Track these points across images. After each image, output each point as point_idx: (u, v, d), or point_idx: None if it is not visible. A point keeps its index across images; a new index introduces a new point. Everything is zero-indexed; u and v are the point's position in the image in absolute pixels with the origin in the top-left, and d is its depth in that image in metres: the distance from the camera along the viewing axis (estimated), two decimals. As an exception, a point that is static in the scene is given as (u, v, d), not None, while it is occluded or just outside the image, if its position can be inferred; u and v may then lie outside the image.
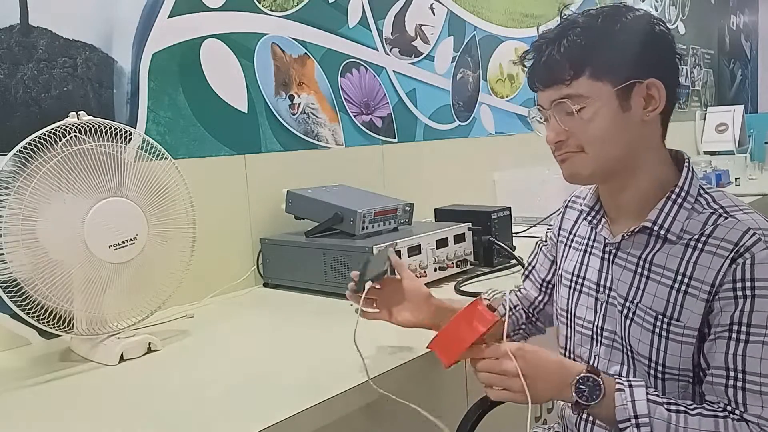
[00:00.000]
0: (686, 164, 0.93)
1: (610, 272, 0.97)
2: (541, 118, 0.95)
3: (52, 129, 1.11)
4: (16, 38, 1.28)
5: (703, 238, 0.86)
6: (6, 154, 1.09)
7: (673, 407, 0.83)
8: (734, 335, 0.83)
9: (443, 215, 1.85)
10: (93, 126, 1.16)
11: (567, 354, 1.06)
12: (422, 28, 2.25)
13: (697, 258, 0.86)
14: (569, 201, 1.13)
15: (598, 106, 0.87)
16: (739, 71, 5.56)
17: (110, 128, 1.18)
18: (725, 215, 0.87)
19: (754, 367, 0.81)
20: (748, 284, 0.81)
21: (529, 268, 1.21)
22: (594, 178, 0.95)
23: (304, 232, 1.65)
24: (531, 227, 2.14)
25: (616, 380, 0.86)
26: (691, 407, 0.83)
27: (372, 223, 1.59)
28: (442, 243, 1.60)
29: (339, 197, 1.67)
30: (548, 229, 1.18)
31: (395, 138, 2.15)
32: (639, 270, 0.93)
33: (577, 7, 3.14)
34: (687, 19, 4.47)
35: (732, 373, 0.82)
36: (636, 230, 0.92)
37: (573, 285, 1.03)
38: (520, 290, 1.22)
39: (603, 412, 0.86)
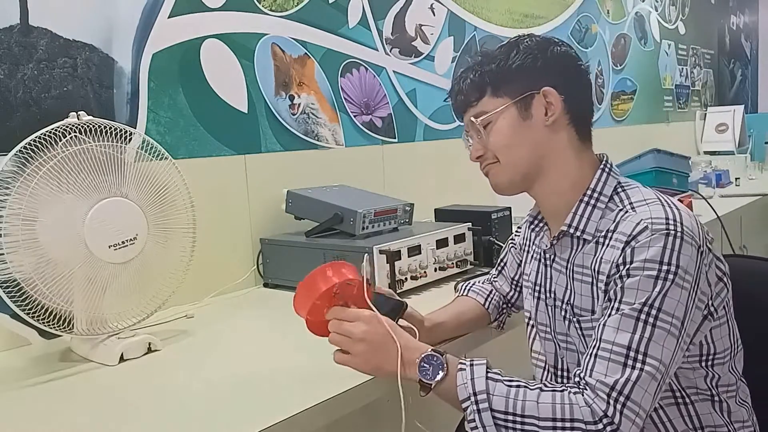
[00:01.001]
0: (601, 166, 0.99)
1: (549, 277, 1.04)
2: (468, 142, 1.05)
3: (52, 129, 1.11)
4: (16, 38, 1.28)
5: (609, 234, 0.91)
6: (6, 155, 1.09)
7: (513, 384, 0.85)
8: (606, 311, 0.87)
9: (443, 215, 1.85)
10: (93, 126, 1.16)
11: (535, 356, 1.08)
12: (422, 28, 2.25)
13: (602, 253, 0.91)
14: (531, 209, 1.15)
15: (501, 117, 0.97)
16: (739, 71, 5.56)
17: (110, 128, 1.18)
18: (630, 210, 0.91)
19: (609, 335, 0.84)
20: (628, 266, 0.86)
21: (502, 264, 1.27)
22: (514, 185, 1.02)
23: (304, 232, 1.65)
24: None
25: (460, 360, 0.89)
26: (531, 383, 0.86)
27: (372, 223, 1.59)
28: (442, 243, 1.60)
29: (339, 197, 1.67)
30: (516, 233, 1.23)
31: (395, 138, 2.15)
32: (568, 272, 0.99)
33: (575, 10, 3.14)
34: (687, 19, 4.47)
35: (595, 342, 0.86)
36: (559, 235, 0.99)
37: (533, 292, 1.09)
38: (494, 282, 1.27)
39: (447, 393, 0.88)
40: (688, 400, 0.94)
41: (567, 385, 0.85)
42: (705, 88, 4.83)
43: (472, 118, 1.00)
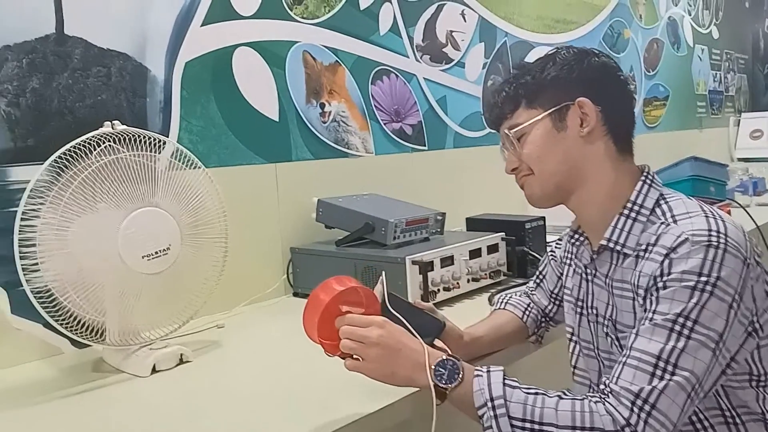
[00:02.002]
0: (642, 177, 0.96)
1: (591, 292, 1.00)
2: (504, 154, 1.04)
3: (87, 139, 1.11)
4: (51, 47, 1.28)
5: (650, 248, 0.88)
6: (41, 164, 1.08)
7: (532, 391, 0.83)
8: (641, 321, 0.84)
9: (475, 224, 1.82)
10: (127, 135, 1.15)
11: (579, 373, 1.04)
12: (453, 34, 2.22)
13: (642, 267, 0.88)
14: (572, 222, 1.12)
15: (534, 129, 0.96)
16: (774, 76, 5.42)
17: (144, 137, 1.17)
18: (672, 223, 0.88)
19: (639, 344, 0.82)
20: (665, 278, 0.83)
21: (540, 276, 1.24)
22: (548, 197, 1.00)
23: (334, 241, 1.63)
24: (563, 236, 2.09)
25: (476, 368, 0.87)
26: (550, 392, 0.83)
27: (404, 232, 1.57)
28: (475, 253, 1.57)
29: (370, 206, 1.65)
30: (557, 245, 1.20)
31: (425, 146, 2.13)
32: (608, 288, 0.96)
33: (607, 14, 3.09)
34: (721, 24, 4.38)
35: (625, 351, 0.83)
36: (599, 250, 0.96)
37: (575, 308, 1.05)
38: (531, 295, 1.23)
39: (463, 400, 0.85)
40: (738, 420, 0.89)
41: (588, 394, 0.83)
42: (739, 93, 4.72)
43: (506, 130, 0.99)
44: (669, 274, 0.83)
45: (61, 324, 1.09)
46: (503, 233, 1.66)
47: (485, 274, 1.58)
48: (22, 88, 1.25)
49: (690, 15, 3.96)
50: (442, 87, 2.19)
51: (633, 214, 0.92)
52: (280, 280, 1.66)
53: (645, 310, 0.85)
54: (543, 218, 1.77)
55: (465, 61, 2.28)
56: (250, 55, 1.63)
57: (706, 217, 0.86)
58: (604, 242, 0.94)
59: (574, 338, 1.06)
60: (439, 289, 1.46)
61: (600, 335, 0.98)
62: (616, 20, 3.15)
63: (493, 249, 1.62)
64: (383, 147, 1.98)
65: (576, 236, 1.03)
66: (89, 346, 1.26)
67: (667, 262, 0.83)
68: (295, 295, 1.66)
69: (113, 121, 1.15)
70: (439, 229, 1.67)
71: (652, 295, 0.84)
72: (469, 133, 2.30)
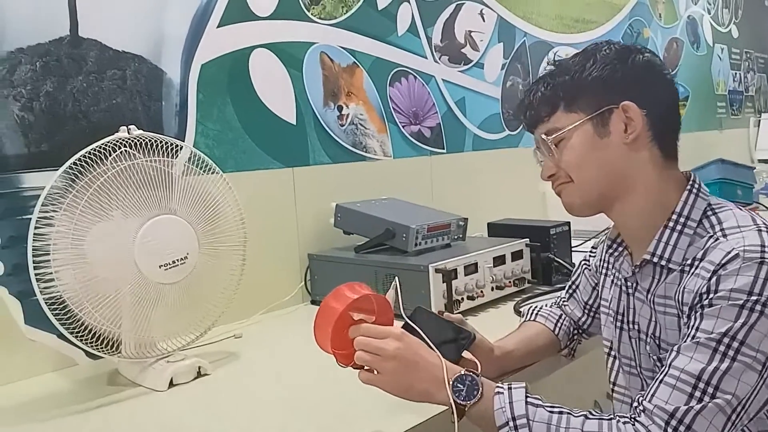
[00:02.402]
0: (688, 186, 0.89)
1: (633, 307, 0.94)
2: (540, 159, 0.97)
3: (103, 144, 1.07)
4: (65, 50, 1.25)
5: (696, 263, 0.83)
6: (56, 170, 1.05)
7: (556, 410, 0.79)
8: (682, 338, 0.80)
9: (497, 230, 1.77)
10: (143, 140, 1.12)
11: (620, 390, 0.99)
12: (472, 34, 2.18)
13: (686, 282, 0.83)
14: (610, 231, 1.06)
15: (574, 135, 0.89)
16: (794, 75, 5.32)
17: (160, 142, 1.13)
18: (721, 237, 0.82)
19: (679, 362, 0.77)
20: (711, 295, 0.78)
21: (573, 287, 1.18)
22: (589, 207, 0.94)
23: (353, 247, 1.59)
24: (585, 241, 2.04)
25: (497, 384, 0.83)
26: (575, 411, 0.79)
27: (425, 239, 1.52)
28: (499, 260, 1.52)
29: (390, 211, 1.60)
30: (591, 253, 1.14)
31: (444, 148, 2.08)
32: (650, 304, 0.90)
33: (627, 14, 3.03)
34: (740, 22, 4.29)
35: (663, 368, 0.79)
36: (641, 263, 0.90)
37: (614, 321, 0.99)
38: (563, 306, 1.17)
39: (482, 417, 0.80)
40: None
41: (618, 414, 0.78)
42: (759, 93, 4.63)
43: (543, 135, 0.91)
44: (716, 291, 0.77)
45: (76, 335, 1.06)
46: (527, 239, 1.61)
47: (509, 282, 1.53)
48: (36, 92, 1.21)
49: (710, 14, 3.89)
50: (461, 88, 2.14)
51: (679, 227, 0.86)
52: (298, 288, 1.62)
53: (688, 327, 0.80)
54: (568, 223, 1.71)
55: (484, 61, 2.23)
56: (267, 56, 1.59)
57: (759, 231, 0.80)
58: (647, 256, 0.88)
59: (612, 353, 1.00)
60: (462, 298, 1.42)
61: (642, 352, 0.93)
62: (636, 19, 3.09)
63: (517, 256, 1.57)
64: (402, 150, 1.93)
65: (615, 246, 0.98)
66: (104, 357, 1.22)
67: (714, 278, 0.78)
68: (314, 302, 1.62)
69: (129, 126, 1.12)
70: (460, 235, 1.62)
71: (696, 312, 0.79)
72: (488, 136, 2.25)
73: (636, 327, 0.93)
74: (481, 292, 1.46)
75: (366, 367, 0.86)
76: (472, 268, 1.45)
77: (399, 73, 1.93)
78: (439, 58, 2.06)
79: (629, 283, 0.95)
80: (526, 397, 0.80)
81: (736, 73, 4.26)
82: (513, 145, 2.35)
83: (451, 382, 0.82)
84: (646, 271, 0.90)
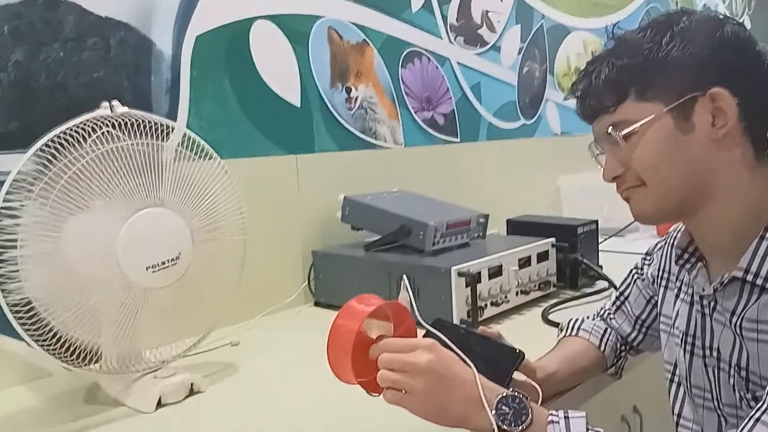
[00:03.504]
0: None
1: (710, 329, 0.79)
2: (596, 153, 0.83)
3: (82, 122, 0.91)
4: (39, 13, 1.08)
5: None
6: (25, 152, 0.88)
7: None
8: None
9: (517, 228, 1.62)
10: (129, 120, 0.95)
11: (687, 424, 0.85)
12: (489, 15, 2.02)
13: None
14: (673, 238, 0.91)
15: (648, 130, 0.74)
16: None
17: (150, 123, 0.97)
18: None
19: None
20: None
21: (621, 298, 1.02)
22: (664, 214, 0.79)
23: (361, 244, 1.43)
24: (606, 239, 1.90)
25: (550, 412, 0.70)
26: None
27: (443, 237, 1.37)
28: (524, 262, 1.37)
29: (403, 206, 1.45)
30: (645, 260, 0.99)
31: (457, 137, 1.92)
32: (735, 328, 0.74)
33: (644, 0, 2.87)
34: (753, 14, 4.16)
35: (761, 404, 0.65)
36: (727, 280, 0.74)
37: (682, 344, 0.84)
38: (609, 319, 1.02)
39: None
40: None
41: None
42: None
43: (610, 129, 0.75)
44: None
45: (45, 346, 0.89)
46: (553, 239, 1.46)
47: (535, 286, 1.39)
48: (3, 61, 1.05)
49: (724, 3, 3.76)
50: (476, 73, 1.99)
51: None
52: (301, 288, 1.46)
53: None
54: (596, 222, 1.57)
55: (501, 44, 2.07)
56: (270, 29, 1.42)
57: None
58: (737, 273, 0.73)
59: (676, 379, 0.86)
60: (486, 304, 1.27)
61: (723, 384, 0.78)
62: (653, 6, 2.95)
63: (542, 257, 1.42)
64: (413, 138, 1.78)
65: (686, 257, 0.83)
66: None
67: None
68: (317, 304, 1.47)
69: (112, 102, 0.95)
70: (480, 233, 1.48)
71: None
72: (503, 125, 2.09)
73: (715, 354, 0.78)
74: (506, 297, 1.32)
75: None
76: (496, 271, 1.30)
77: (412, 53, 1.77)
78: (454, 39, 1.90)
79: (705, 302, 0.79)
80: (587, 429, 0.67)
81: None
82: (528, 135, 2.20)
83: (494, 403, 0.69)
84: (732, 289, 0.75)
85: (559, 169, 2.26)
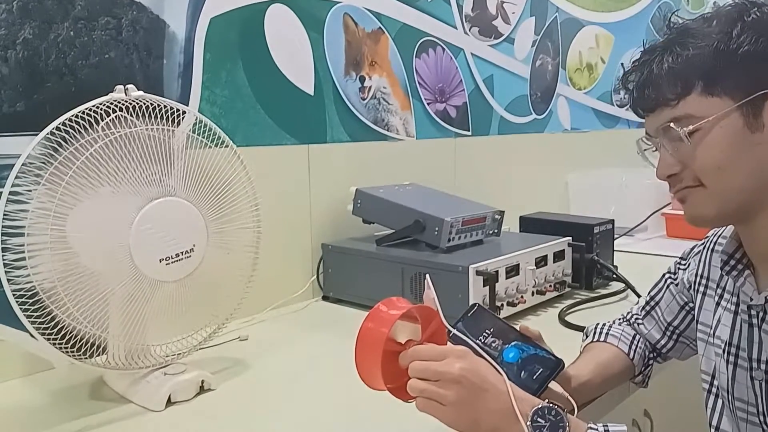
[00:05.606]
0: None
1: (758, 341, 0.75)
2: (652, 149, 0.78)
3: (95, 106, 0.86)
4: (50, -11, 1.03)
5: None
6: (35, 135, 0.83)
7: None
8: None
9: (531, 225, 1.59)
10: (144, 103, 0.91)
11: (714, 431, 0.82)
12: (504, 5, 1.97)
13: None
14: (713, 243, 0.88)
15: (714, 127, 0.70)
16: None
17: (164, 107, 0.93)
18: None
19: None
20: None
21: (652, 303, 0.99)
22: (723, 218, 0.75)
23: (372, 238, 1.40)
24: (617, 237, 1.86)
25: (589, 425, 0.68)
26: None
27: (459, 233, 1.33)
28: (540, 261, 1.34)
29: (417, 200, 1.41)
30: (679, 265, 0.96)
31: (469, 130, 1.88)
32: None
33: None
34: (761, 14, 4.14)
35: None
36: None
37: (724, 354, 0.81)
38: (637, 324, 0.99)
39: None
40: None
41: None
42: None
43: (672, 124, 0.71)
44: None
45: (49, 338, 0.85)
46: (570, 238, 1.43)
47: (550, 286, 1.36)
48: (11, 39, 0.99)
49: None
50: (490, 65, 1.94)
51: None
52: (309, 282, 1.42)
53: None
54: (612, 221, 1.54)
55: (515, 36, 2.02)
56: (286, 13, 1.37)
57: None
58: None
59: (714, 390, 0.83)
60: (503, 305, 1.24)
61: None
62: (664, 2, 2.91)
63: (558, 256, 1.39)
64: (425, 130, 1.74)
65: (733, 263, 0.79)
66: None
67: None
68: (325, 298, 1.43)
69: (127, 86, 0.90)
70: (495, 230, 1.44)
71: None
72: (514, 119, 2.05)
73: (763, 367, 0.75)
74: (522, 297, 1.28)
75: None
76: (513, 270, 1.27)
77: (426, 43, 1.72)
78: (469, 30, 1.86)
79: (754, 312, 0.76)
80: None
81: None
82: (539, 130, 2.16)
83: (529, 415, 0.66)
84: None
85: (568, 166, 2.22)
